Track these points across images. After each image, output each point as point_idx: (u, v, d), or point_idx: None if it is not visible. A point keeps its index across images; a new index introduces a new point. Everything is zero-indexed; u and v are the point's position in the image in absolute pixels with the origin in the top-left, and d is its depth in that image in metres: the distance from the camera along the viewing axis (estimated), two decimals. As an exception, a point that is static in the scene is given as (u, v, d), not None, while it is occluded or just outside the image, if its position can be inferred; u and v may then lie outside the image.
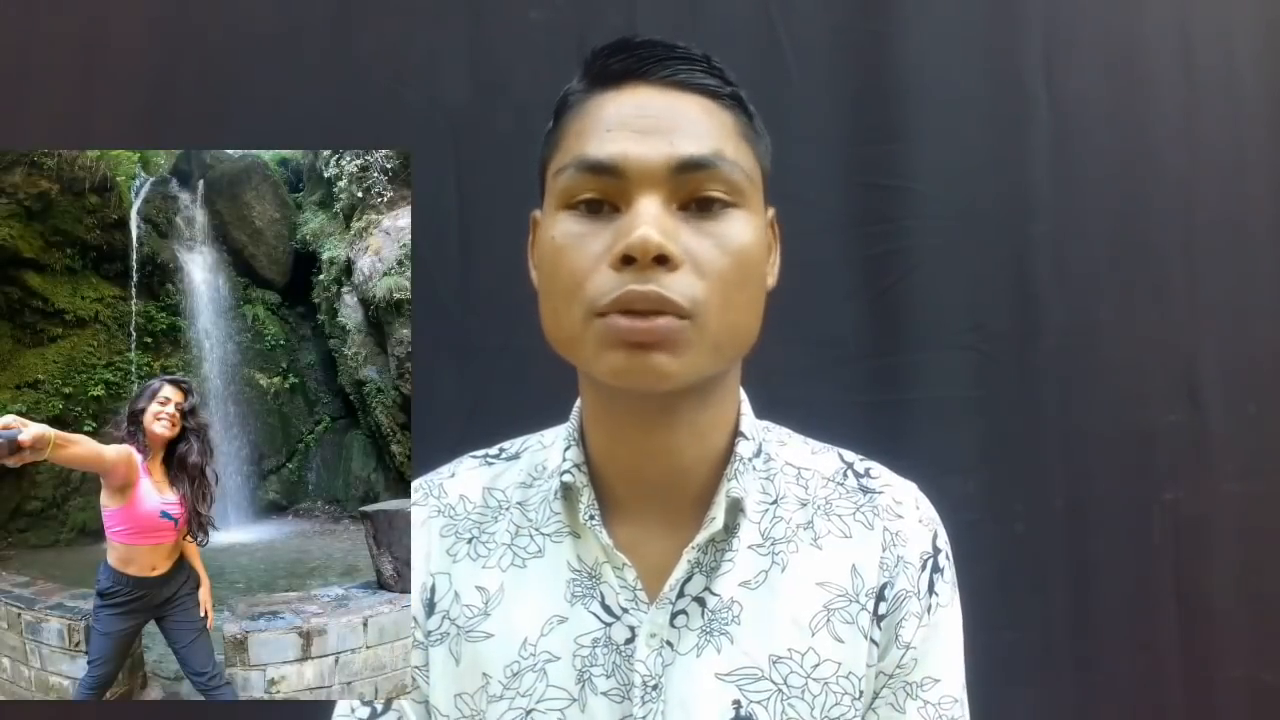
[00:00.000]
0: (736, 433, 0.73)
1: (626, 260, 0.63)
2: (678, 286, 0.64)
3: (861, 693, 0.70)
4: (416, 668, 0.74)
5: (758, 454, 0.74)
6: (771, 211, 0.73)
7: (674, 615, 0.69)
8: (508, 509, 0.76)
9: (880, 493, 0.75)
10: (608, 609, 0.70)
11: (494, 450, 0.81)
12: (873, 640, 0.71)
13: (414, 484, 0.80)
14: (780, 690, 0.68)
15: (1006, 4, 1.23)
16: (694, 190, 0.66)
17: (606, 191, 0.65)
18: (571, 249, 0.66)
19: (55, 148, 3.13)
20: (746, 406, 0.75)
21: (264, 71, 1.19)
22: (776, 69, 1.21)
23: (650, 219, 0.63)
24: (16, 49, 1.19)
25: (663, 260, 0.63)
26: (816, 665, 0.69)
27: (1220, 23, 1.25)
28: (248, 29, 1.20)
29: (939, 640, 0.72)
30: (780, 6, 1.21)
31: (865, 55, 1.22)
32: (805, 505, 0.74)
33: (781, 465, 0.75)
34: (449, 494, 0.78)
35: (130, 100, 1.19)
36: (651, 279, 0.63)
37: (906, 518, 0.74)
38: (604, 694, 0.68)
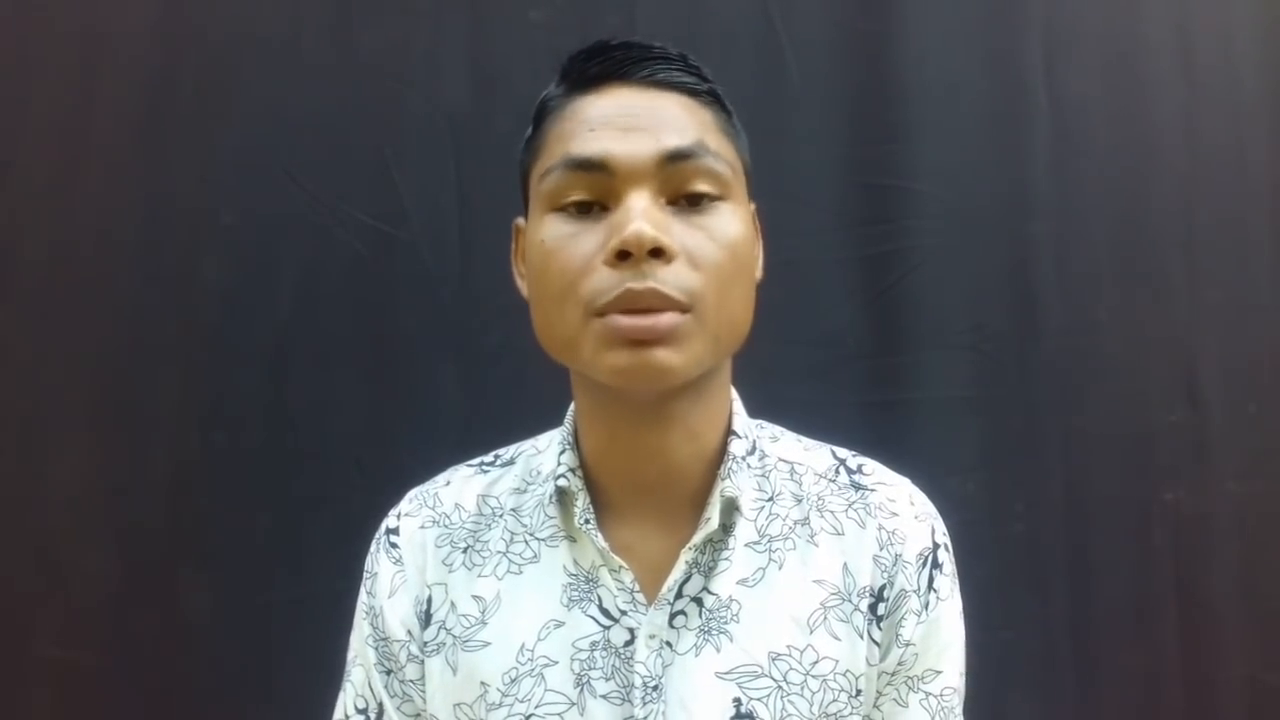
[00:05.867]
0: (729, 431, 0.73)
1: (621, 256, 0.63)
2: (674, 280, 0.63)
3: (859, 691, 0.70)
4: (411, 681, 0.74)
5: (751, 451, 0.74)
6: (753, 206, 0.73)
7: (673, 616, 0.69)
8: (502, 516, 0.75)
9: (873, 490, 0.75)
10: (606, 612, 0.70)
11: (489, 457, 0.81)
12: (872, 640, 0.71)
13: (408, 494, 0.80)
14: (780, 687, 0.68)
15: (1007, 4, 1.23)
16: (680, 184, 0.66)
17: (594, 190, 0.65)
18: (562, 250, 0.65)
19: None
20: (739, 405, 0.75)
21: (264, 71, 1.19)
22: (776, 69, 1.21)
23: (641, 212, 0.63)
24: (16, 49, 1.19)
25: (658, 253, 0.63)
26: (815, 662, 0.69)
27: (1221, 22, 1.25)
28: (248, 29, 1.20)
29: (939, 634, 0.73)
30: (780, 6, 1.21)
31: (865, 55, 1.22)
32: (800, 502, 0.74)
33: (775, 462, 0.75)
34: (444, 503, 0.77)
35: (130, 100, 1.19)
36: (649, 275, 0.63)
37: (902, 515, 0.74)
38: (603, 697, 0.68)
